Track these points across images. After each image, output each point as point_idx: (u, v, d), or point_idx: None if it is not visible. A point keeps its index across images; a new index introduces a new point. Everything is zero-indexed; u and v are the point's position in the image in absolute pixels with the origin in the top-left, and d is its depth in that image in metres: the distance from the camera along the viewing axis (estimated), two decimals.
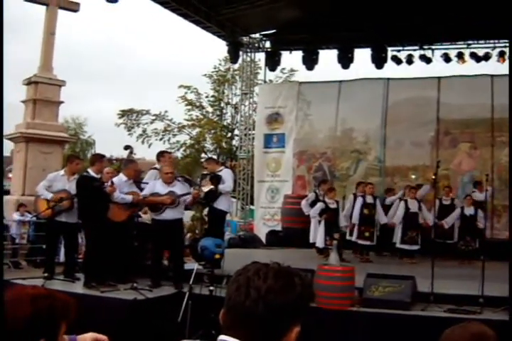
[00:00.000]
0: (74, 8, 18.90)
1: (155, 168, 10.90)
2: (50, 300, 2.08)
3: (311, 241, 13.50)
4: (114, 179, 9.34)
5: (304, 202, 14.00)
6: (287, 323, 1.74)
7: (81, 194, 9.28)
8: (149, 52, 69.75)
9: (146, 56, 70.38)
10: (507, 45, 16.98)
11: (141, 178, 10.79)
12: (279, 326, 1.73)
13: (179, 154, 33.16)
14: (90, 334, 2.42)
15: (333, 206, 13.15)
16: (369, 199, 13.21)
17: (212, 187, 10.24)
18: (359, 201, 13.16)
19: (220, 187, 10.86)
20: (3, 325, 1.93)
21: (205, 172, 11.72)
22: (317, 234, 13.23)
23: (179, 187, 9.60)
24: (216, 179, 10.89)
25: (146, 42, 71.63)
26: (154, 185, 9.71)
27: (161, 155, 11.10)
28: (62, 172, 10.21)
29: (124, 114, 33.58)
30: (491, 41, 17.29)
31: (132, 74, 71.24)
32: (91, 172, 9.39)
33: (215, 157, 29.43)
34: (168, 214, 9.41)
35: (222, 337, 1.76)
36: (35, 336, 1.99)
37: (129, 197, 9.36)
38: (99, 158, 9.71)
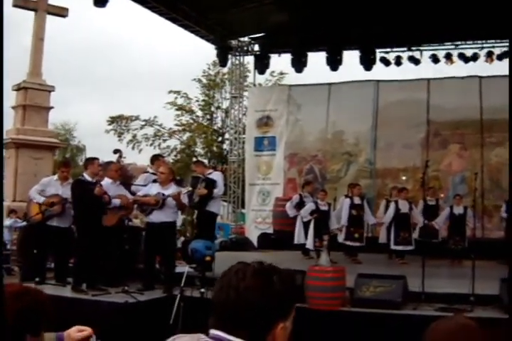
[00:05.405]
0: (62, 13, 18.92)
1: (147, 172, 10.97)
2: (31, 296, 2.10)
3: (295, 242, 13.53)
4: (102, 183, 9.34)
5: (288, 205, 14.05)
6: (270, 321, 1.75)
7: (75, 198, 9.29)
8: (138, 57, 69.61)
9: (135, 60, 70.16)
10: (494, 45, 17.07)
11: (131, 182, 10.81)
12: (261, 324, 1.74)
13: (170, 159, 33.17)
14: (75, 327, 2.45)
15: (323, 208, 13.16)
16: (357, 201, 13.19)
17: (190, 188, 10.27)
18: (346, 202, 13.17)
19: (215, 191, 10.91)
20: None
21: (194, 175, 11.73)
22: (302, 235, 13.28)
23: (172, 190, 9.55)
24: (211, 183, 10.93)
25: (135, 46, 71.38)
26: (150, 188, 9.73)
27: (155, 158, 11.21)
28: (55, 177, 10.21)
29: (114, 120, 33.61)
30: (479, 42, 17.36)
31: (121, 79, 70.90)
32: (86, 176, 9.38)
33: (206, 161, 29.45)
34: (155, 217, 9.40)
35: (213, 331, 1.78)
36: (21, 331, 2.01)
37: (117, 201, 9.37)
38: (90, 161, 9.69)
